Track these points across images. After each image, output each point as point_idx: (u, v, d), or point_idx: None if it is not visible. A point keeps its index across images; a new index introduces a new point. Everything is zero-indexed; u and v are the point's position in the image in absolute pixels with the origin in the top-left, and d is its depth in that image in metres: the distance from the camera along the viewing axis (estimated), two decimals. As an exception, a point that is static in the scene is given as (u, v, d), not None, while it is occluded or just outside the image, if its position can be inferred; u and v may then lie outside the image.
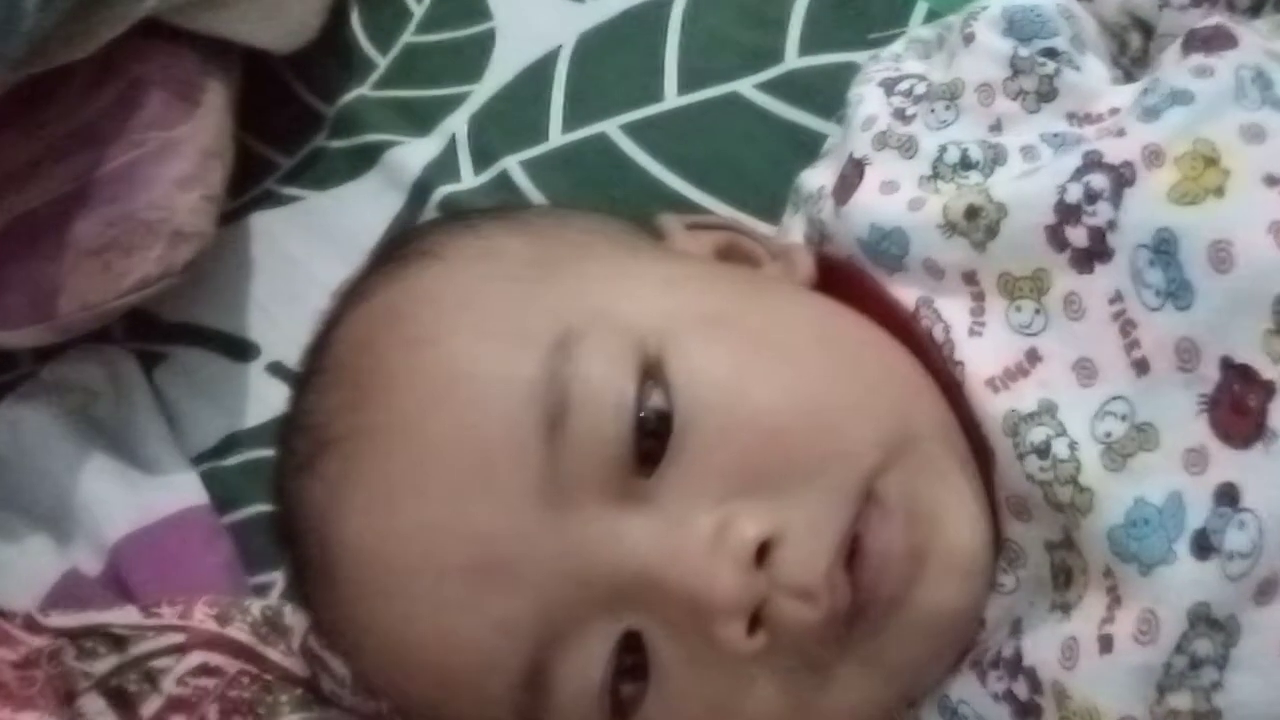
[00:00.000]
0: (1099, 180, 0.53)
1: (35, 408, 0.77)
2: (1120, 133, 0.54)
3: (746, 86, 0.76)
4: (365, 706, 0.65)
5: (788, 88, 0.75)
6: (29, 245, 0.73)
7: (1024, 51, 0.58)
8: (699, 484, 0.51)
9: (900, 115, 0.61)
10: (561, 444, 0.51)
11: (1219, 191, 0.51)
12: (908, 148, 0.59)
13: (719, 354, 0.53)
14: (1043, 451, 0.52)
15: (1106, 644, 0.50)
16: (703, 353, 0.53)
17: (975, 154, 0.58)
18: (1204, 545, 0.49)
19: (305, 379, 0.60)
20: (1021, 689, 0.52)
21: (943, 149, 0.59)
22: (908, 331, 0.57)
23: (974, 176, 0.58)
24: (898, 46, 0.69)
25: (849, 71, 0.72)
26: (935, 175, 0.58)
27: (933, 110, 0.60)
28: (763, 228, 0.70)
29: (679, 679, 0.52)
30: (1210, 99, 0.53)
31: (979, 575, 0.53)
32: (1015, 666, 0.53)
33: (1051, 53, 0.58)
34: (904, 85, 0.62)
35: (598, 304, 0.54)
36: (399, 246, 0.62)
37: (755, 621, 0.50)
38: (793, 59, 0.76)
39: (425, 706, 0.57)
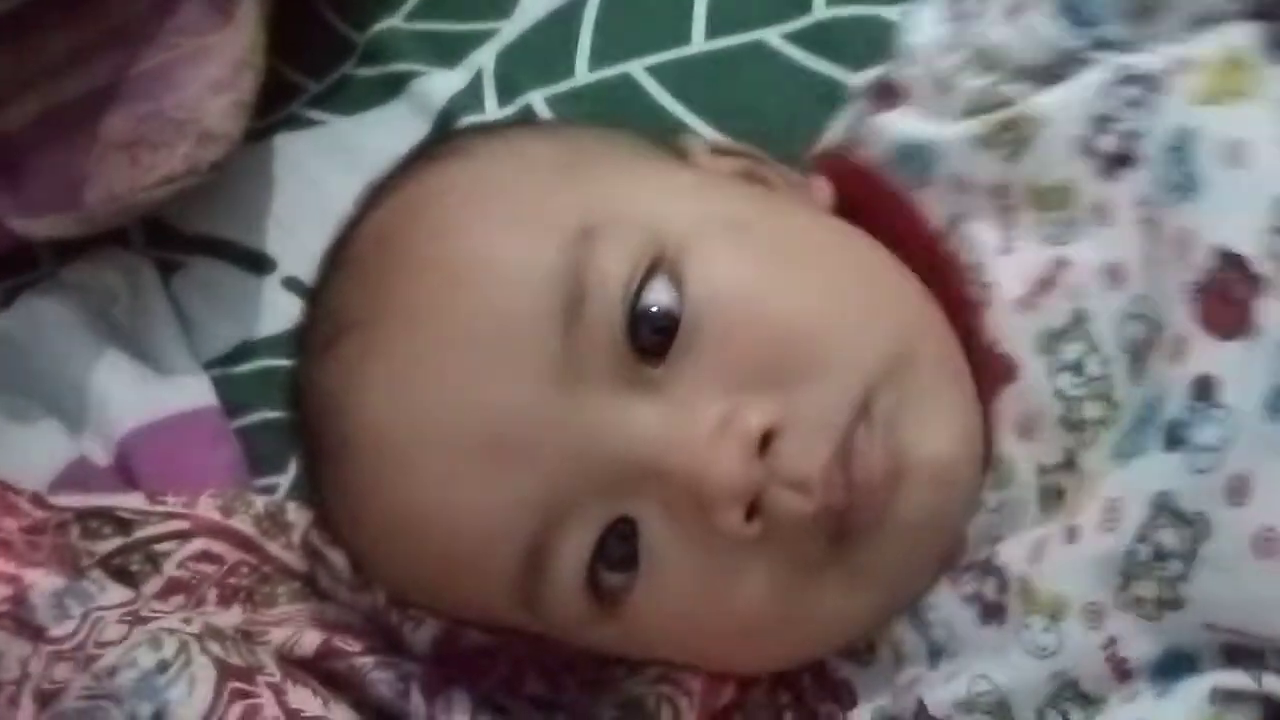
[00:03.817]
0: (1131, 90, 0.54)
1: (53, 302, 0.78)
2: (1150, 51, 0.55)
3: (774, 35, 0.77)
4: (361, 601, 0.65)
5: (815, 38, 0.76)
6: (59, 136, 0.74)
7: (1074, 42, 0.56)
8: (707, 376, 0.52)
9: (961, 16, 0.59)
10: (577, 330, 0.52)
11: (1244, 93, 0.51)
12: (944, 85, 0.58)
13: (735, 256, 0.55)
14: (1077, 368, 0.53)
15: (1072, 535, 0.51)
16: (719, 253, 0.54)
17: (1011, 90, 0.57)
18: (1174, 438, 0.49)
19: (326, 271, 0.61)
20: (990, 589, 0.53)
21: (982, 91, 0.57)
22: (930, 247, 0.57)
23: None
24: None
25: (877, 24, 0.73)
26: (972, 112, 0.58)
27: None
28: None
29: (670, 566, 0.53)
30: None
31: (957, 486, 0.54)
32: (987, 567, 0.54)
33: (1104, 43, 0.56)
34: None
35: (621, 202, 0.55)
36: (427, 149, 0.63)
37: (752, 511, 0.51)
38: (821, 9, 0.76)
39: (424, 587, 0.58)
